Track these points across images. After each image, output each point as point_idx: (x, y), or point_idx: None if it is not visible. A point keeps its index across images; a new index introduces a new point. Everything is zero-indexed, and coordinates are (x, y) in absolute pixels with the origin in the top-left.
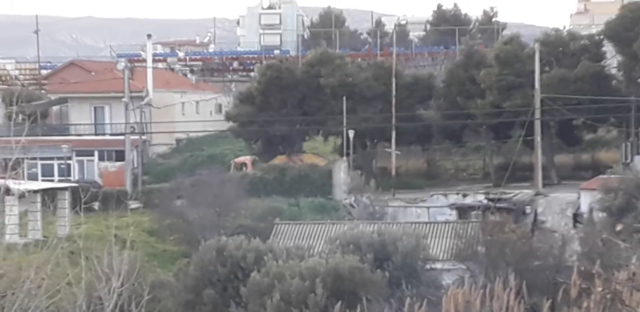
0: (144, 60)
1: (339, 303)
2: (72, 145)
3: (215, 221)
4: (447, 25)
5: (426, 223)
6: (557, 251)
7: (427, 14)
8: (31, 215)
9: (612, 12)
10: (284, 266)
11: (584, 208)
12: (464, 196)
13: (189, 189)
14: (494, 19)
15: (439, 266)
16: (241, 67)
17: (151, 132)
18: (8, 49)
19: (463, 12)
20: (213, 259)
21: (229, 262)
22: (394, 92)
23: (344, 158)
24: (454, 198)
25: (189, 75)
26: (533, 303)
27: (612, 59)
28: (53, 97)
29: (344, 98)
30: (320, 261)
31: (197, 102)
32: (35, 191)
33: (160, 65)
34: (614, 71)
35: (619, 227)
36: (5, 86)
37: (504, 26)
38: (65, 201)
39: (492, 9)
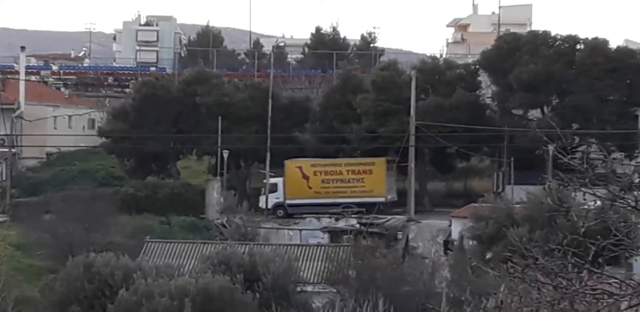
0: (17, 73)
1: None
2: None
3: (84, 237)
4: (325, 48)
5: (298, 245)
6: (427, 277)
7: (306, 36)
8: None
9: (488, 42)
10: (153, 284)
11: (455, 235)
12: (337, 219)
13: (59, 204)
14: (372, 45)
15: (309, 288)
16: (116, 83)
17: (21, 146)
18: None
19: (342, 36)
20: (80, 276)
21: (97, 279)
22: (270, 114)
23: (218, 178)
24: (326, 221)
25: (63, 89)
26: None
27: (487, 88)
28: None
29: (220, 118)
30: (190, 280)
31: (70, 117)
32: None
33: (33, 78)
34: (488, 101)
35: (488, 256)
36: None
37: (381, 52)
38: None
39: (370, 34)
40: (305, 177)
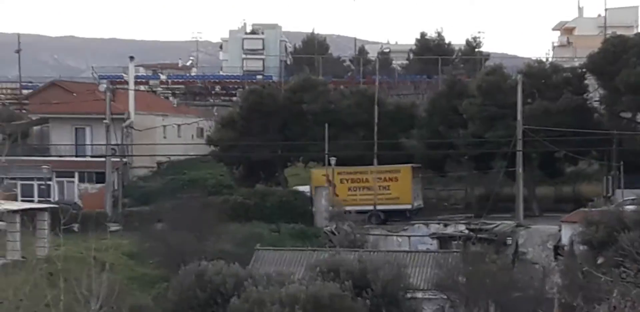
0: (126, 82)
1: None
2: (53, 166)
3: (195, 245)
4: (430, 54)
5: (407, 252)
6: (537, 283)
7: (411, 42)
8: (10, 235)
9: (594, 45)
10: (264, 292)
11: (565, 241)
12: (445, 225)
13: (170, 213)
14: (477, 49)
15: (419, 295)
16: (223, 92)
17: (132, 155)
18: None
19: (446, 41)
20: (192, 284)
21: (209, 287)
22: (376, 120)
23: (326, 185)
24: (435, 227)
25: (171, 98)
26: None
27: (594, 92)
28: (34, 117)
29: (326, 125)
30: (301, 288)
31: (179, 126)
32: (15, 211)
33: (142, 87)
34: (596, 104)
35: (600, 260)
36: None
37: (487, 56)
38: (44, 221)
39: (475, 39)
40: (332, 185)
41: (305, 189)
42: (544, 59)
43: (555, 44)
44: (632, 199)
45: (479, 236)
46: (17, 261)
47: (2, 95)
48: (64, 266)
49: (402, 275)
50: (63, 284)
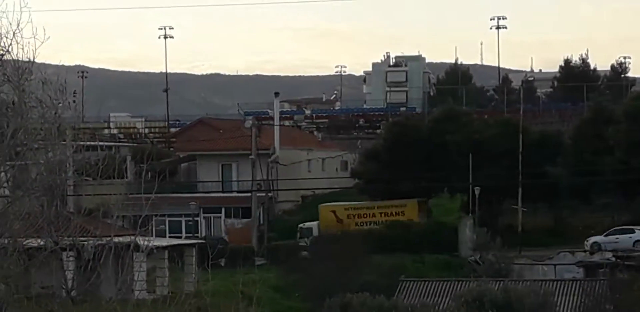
0: (271, 118)
1: None
2: (200, 203)
3: (340, 277)
4: (575, 81)
5: (553, 281)
6: None
7: (555, 69)
8: (159, 271)
9: None
10: None
11: None
12: (592, 253)
13: (315, 245)
14: (623, 75)
15: None
16: (367, 125)
17: (278, 190)
18: (138, 108)
19: (591, 67)
20: None
21: None
22: (520, 149)
23: (470, 215)
24: (581, 256)
25: (315, 132)
26: None
27: None
28: (182, 154)
29: (470, 155)
30: None
31: (323, 160)
32: (164, 248)
33: (287, 122)
34: None
35: None
36: (136, 144)
37: (633, 82)
38: (192, 257)
39: (621, 65)
40: (339, 220)
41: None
42: None
43: None
44: None
45: (626, 263)
46: (166, 296)
47: (151, 134)
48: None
49: (549, 304)
50: None
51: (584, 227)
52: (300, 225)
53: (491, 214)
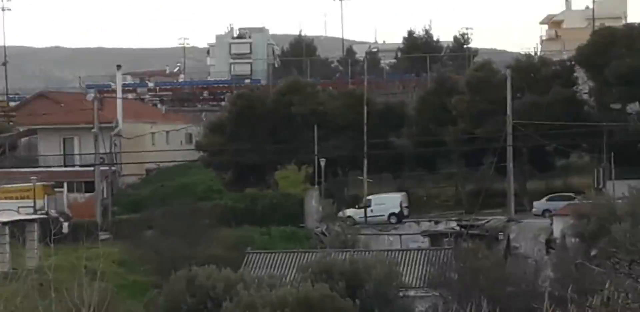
0: (114, 91)
1: None
2: (41, 177)
3: (186, 252)
4: (419, 52)
5: (399, 250)
6: (530, 277)
7: (398, 40)
8: (0, 247)
9: (583, 38)
10: (255, 295)
11: (557, 234)
12: (436, 223)
13: (160, 220)
14: (465, 46)
15: (412, 293)
16: (211, 97)
17: (121, 163)
18: None
19: (434, 38)
20: (183, 289)
21: (199, 292)
22: (365, 120)
23: (316, 187)
24: (426, 225)
25: (159, 105)
26: None
27: (584, 84)
28: (22, 129)
29: (315, 126)
30: (291, 290)
31: (168, 132)
32: (4, 223)
33: (130, 95)
34: (585, 97)
35: (594, 252)
36: None
37: (475, 53)
38: (34, 232)
39: (463, 35)
40: None
41: None
42: (533, 53)
43: (544, 38)
44: None
45: (470, 232)
46: (7, 272)
47: None
48: (55, 276)
49: (394, 274)
50: (54, 294)
51: (428, 197)
52: None
53: (337, 186)
